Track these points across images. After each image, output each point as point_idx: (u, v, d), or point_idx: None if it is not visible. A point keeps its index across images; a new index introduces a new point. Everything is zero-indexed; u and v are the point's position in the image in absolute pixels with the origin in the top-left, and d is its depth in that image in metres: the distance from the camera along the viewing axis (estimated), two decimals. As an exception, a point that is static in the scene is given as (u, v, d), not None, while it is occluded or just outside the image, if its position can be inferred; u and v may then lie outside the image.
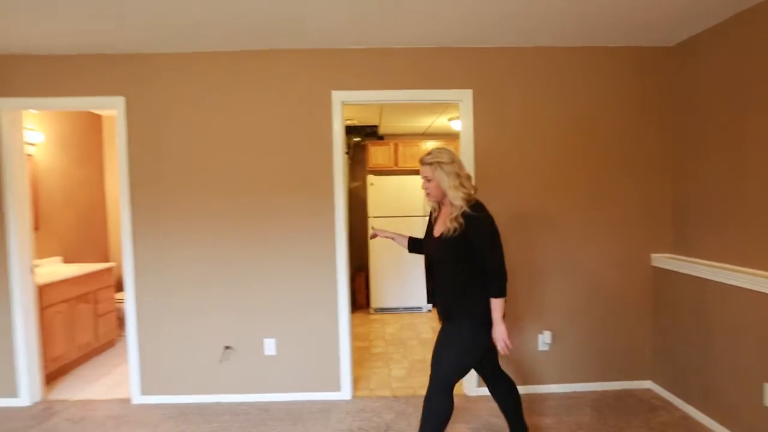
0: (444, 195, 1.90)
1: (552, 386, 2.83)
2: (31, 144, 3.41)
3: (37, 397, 2.85)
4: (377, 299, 4.82)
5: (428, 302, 2.08)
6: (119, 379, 3.16)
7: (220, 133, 2.73)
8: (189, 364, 2.78)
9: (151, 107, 2.72)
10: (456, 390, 1.90)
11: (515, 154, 2.79)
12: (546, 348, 2.81)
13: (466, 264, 1.87)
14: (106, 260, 4.48)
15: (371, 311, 4.86)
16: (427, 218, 2.10)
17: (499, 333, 1.81)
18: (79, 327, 3.39)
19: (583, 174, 2.80)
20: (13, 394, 2.78)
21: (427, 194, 1.97)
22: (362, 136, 5.06)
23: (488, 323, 1.84)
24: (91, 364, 3.48)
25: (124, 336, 4.06)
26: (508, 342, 1.80)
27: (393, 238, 2.23)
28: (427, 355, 3.44)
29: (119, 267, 4.37)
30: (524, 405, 2.13)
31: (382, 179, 4.80)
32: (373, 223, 4.72)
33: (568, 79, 2.77)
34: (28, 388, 2.79)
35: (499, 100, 2.77)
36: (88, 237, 4.26)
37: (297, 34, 2.46)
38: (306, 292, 2.77)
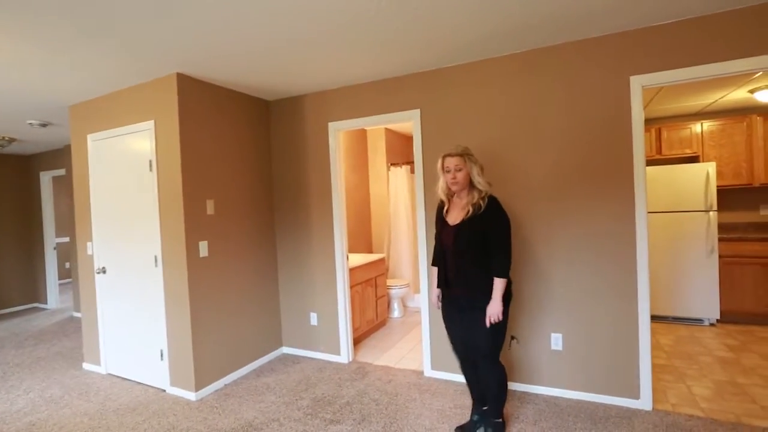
0: (468, 184, 2.20)
1: None
2: (333, 157, 4.32)
3: (350, 357, 3.57)
4: (638, 305, 4.28)
5: (438, 287, 2.36)
6: (403, 354, 3.68)
7: (505, 133, 2.86)
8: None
9: (441, 115, 3.06)
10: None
11: None
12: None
13: (486, 250, 2.12)
14: (370, 251, 5.31)
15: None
16: (438, 212, 2.37)
17: (495, 309, 2.08)
18: (366, 305, 4.10)
19: None
20: (336, 352, 3.57)
21: (455, 183, 2.19)
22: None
23: (509, 299, 2.16)
24: (375, 338, 4.15)
25: (391, 317, 4.78)
26: (497, 319, 2.09)
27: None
28: (737, 377, 2.91)
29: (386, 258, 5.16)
30: None
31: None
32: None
33: None
34: (346, 349, 3.53)
35: None
36: (358, 231, 5.14)
37: (591, 24, 2.38)
38: (597, 288, 2.64)
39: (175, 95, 2.92)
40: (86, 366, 3.68)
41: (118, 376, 3.45)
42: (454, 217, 2.23)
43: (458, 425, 2.46)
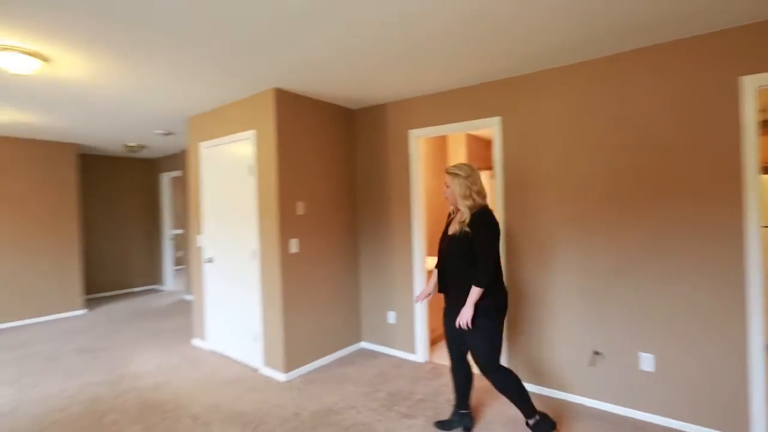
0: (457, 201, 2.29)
1: None
2: (413, 161, 4.44)
3: (426, 357, 3.67)
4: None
5: (439, 291, 2.46)
6: (477, 358, 3.68)
7: (592, 138, 2.75)
8: (556, 360, 2.93)
9: (522, 122, 3.02)
10: None
11: None
12: None
13: (473, 260, 2.19)
14: (448, 254, 5.35)
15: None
16: (447, 218, 2.53)
17: (466, 314, 2.15)
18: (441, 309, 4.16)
19: None
20: (412, 351, 3.69)
21: (446, 198, 2.38)
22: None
23: (501, 309, 2.25)
24: (450, 340, 4.20)
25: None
26: (467, 325, 2.16)
27: (430, 293, 2.73)
28: None
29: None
30: None
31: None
32: None
33: None
34: (422, 349, 3.64)
35: None
36: (437, 235, 5.19)
37: (696, 22, 2.19)
38: (697, 310, 2.42)
39: (273, 108, 3.26)
40: (195, 342, 4.25)
41: (219, 353, 3.93)
42: (452, 228, 2.35)
43: (438, 420, 2.61)
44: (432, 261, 4.27)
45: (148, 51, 2.51)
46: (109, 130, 4.86)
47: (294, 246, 3.38)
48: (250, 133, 3.47)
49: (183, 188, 6.41)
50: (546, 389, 2.96)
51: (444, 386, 3.13)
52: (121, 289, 6.92)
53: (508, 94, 3.08)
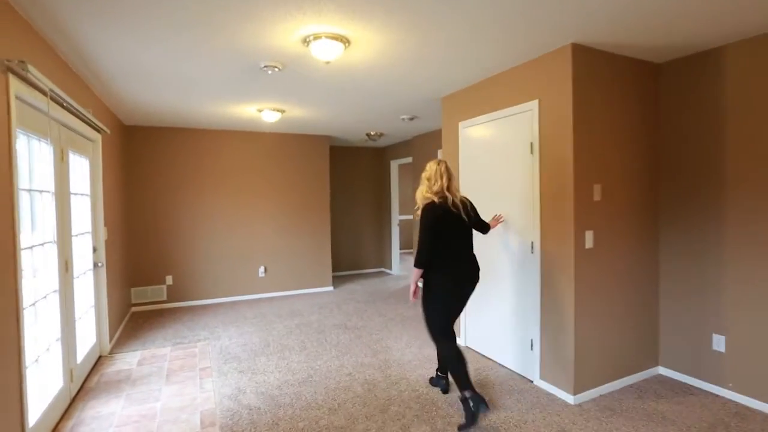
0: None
1: None
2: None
3: None
4: None
5: None
6: None
7: None
8: None
9: None
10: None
11: None
12: None
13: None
14: None
15: None
16: None
17: (410, 290, 2.66)
18: None
19: None
20: (763, 398, 2.59)
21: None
22: None
23: (431, 289, 2.59)
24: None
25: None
26: (412, 299, 2.69)
27: None
28: None
29: None
30: None
31: None
32: None
33: None
34: (781, 398, 2.51)
35: None
36: None
37: None
38: None
39: (569, 69, 2.64)
40: (445, 335, 4.05)
41: (476, 351, 3.61)
42: None
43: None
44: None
45: (436, 18, 2.22)
46: (359, 117, 5.02)
47: (589, 240, 2.72)
48: (531, 105, 2.94)
49: (411, 174, 6.48)
50: None
51: None
52: (355, 269, 7.55)
53: None
